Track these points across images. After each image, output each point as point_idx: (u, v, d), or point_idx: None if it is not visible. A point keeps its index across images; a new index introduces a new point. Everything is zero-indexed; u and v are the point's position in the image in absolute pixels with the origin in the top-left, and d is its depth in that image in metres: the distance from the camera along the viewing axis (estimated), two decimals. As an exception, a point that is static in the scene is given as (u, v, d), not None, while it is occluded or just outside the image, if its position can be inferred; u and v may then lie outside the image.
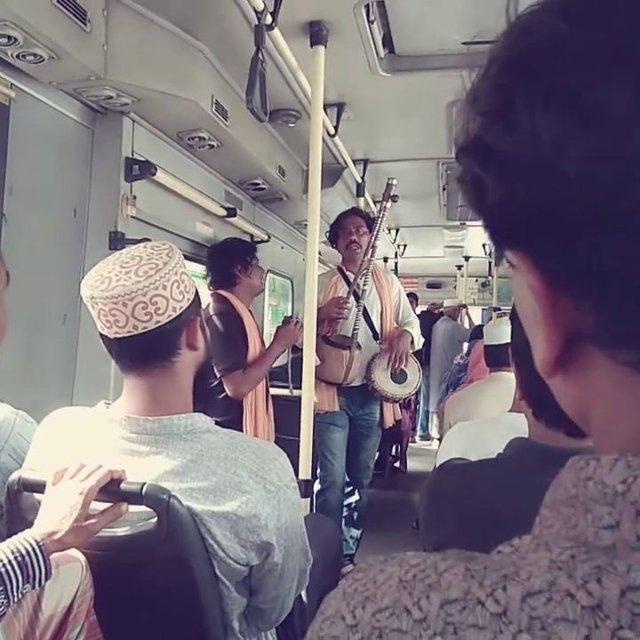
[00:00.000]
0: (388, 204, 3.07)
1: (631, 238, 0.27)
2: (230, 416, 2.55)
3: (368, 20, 2.08)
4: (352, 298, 3.02)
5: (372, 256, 3.06)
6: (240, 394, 2.58)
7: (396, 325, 3.17)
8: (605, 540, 0.27)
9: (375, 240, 3.04)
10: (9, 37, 1.56)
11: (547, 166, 0.28)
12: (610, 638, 0.24)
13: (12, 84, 1.80)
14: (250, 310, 2.81)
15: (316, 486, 3.06)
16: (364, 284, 3.00)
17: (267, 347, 2.80)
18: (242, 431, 2.51)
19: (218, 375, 2.53)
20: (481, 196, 0.32)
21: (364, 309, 3.03)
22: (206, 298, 2.81)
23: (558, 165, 0.27)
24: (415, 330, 3.17)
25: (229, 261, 2.78)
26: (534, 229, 0.30)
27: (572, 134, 0.27)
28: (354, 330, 2.94)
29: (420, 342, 3.24)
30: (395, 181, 3.05)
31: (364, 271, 3.02)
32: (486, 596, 0.27)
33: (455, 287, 8.15)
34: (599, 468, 0.29)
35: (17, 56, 1.66)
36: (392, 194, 3.08)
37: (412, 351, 3.12)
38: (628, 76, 0.26)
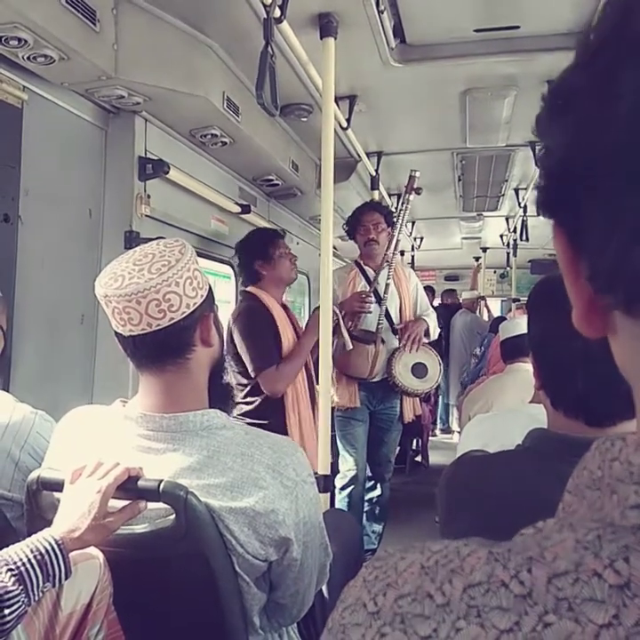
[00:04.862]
0: (412, 197, 3.03)
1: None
2: (273, 419, 2.41)
3: (378, 10, 2.06)
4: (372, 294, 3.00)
5: (395, 250, 3.03)
6: (276, 391, 2.47)
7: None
8: (632, 519, 0.27)
9: (398, 234, 3.02)
10: (19, 39, 1.56)
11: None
12: (639, 617, 0.24)
13: (24, 86, 1.81)
14: (284, 304, 2.72)
15: (338, 481, 3.05)
16: (388, 278, 2.96)
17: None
18: (287, 434, 2.38)
19: (252, 376, 2.47)
20: (544, 157, 0.34)
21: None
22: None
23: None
24: (432, 321, 3.15)
25: (249, 258, 2.67)
26: (565, 189, 0.32)
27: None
28: (378, 324, 2.92)
29: (435, 333, 3.21)
30: (418, 173, 3.00)
31: (386, 265, 2.99)
32: (510, 577, 0.27)
33: (471, 276, 8.08)
34: (625, 447, 0.29)
35: (28, 58, 1.66)
36: (415, 186, 3.04)
37: (427, 341, 3.10)
38: None
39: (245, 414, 2.50)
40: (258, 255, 2.64)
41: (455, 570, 0.29)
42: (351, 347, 2.72)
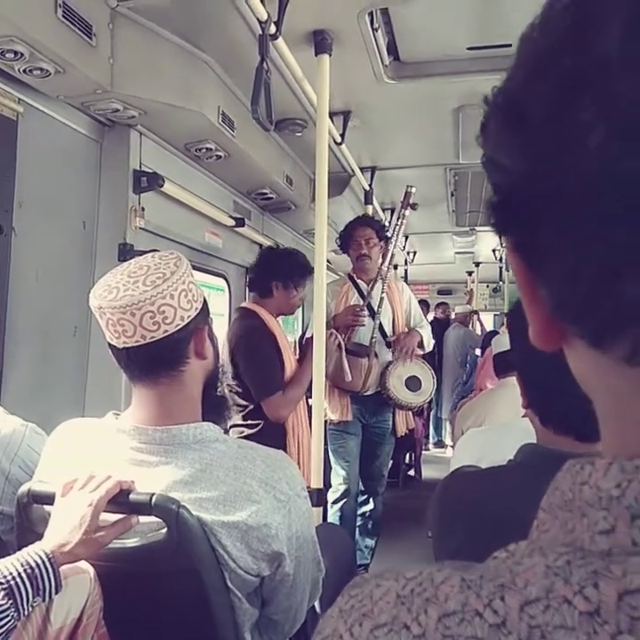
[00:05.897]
0: (407, 212, 3.05)
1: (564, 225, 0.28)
2: (273, 443, 2.32)
3: (372, 28, 2.09)
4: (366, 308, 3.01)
5: (389, 265, 3.04)
6: (280, 417, 2.42)
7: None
8: (601, 545, 0.27)
9: (393, 248, 3.03)
10: (15, 52, 1.57)
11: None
12: None
13: (19, 99, 1.82)
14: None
15: (330, 495, 3.04)
16: (382, 292, 2.98)
17: (298, 363, 2.60)
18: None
19: (257, 400, 2.43)
20: (496, 178, 0.32)
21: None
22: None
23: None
24: (426, 333, 3.16)
25: (273, 273, 2.57)
26: (521, 213, 0.31)
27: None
28: (372, 338, 2.93)
29: (430, 344, 3.22)
30: (413, 189, 3.01)
31: (379, 279, 3.00)
32: (484, 606, 0.27)
33: (466, 293, 8.12)
34: (594, 472, 0.29)
35: (23, 71, 1.67)
36: (411, 202, 3.05)
37: (422, 353, 3.10)
38: None
39: (246, 438, 2.42)
40: (282, 277, 2.57)
41: (430, 599, 0.29)
42: (350, 378, 2.77)
